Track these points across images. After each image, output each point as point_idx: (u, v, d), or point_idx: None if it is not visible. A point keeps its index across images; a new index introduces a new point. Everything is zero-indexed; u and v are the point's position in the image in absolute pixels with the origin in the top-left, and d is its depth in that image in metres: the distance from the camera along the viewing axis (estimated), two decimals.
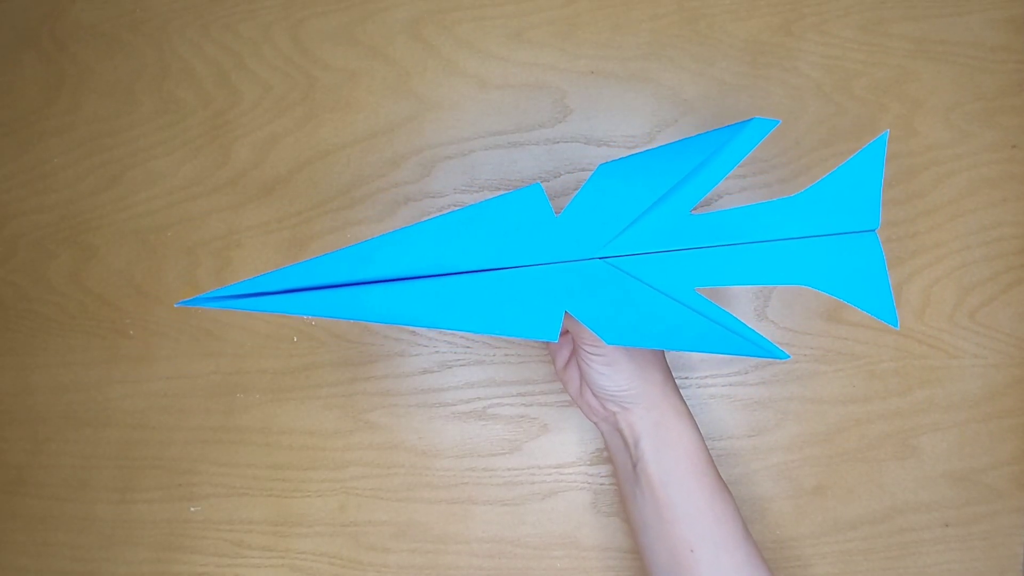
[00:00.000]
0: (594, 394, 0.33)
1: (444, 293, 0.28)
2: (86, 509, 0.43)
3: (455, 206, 0.41)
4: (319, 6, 0.42)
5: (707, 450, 0.32)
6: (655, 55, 0.41)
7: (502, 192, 0.41)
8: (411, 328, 0.41)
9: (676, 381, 0.34)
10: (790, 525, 0.39)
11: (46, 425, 0.44)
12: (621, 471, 0.34)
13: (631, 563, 0.40)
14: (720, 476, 0.32)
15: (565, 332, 0.36)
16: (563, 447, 0.41)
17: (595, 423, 0.35)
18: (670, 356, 0.39)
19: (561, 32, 0.41)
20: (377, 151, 0.42)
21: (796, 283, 0.28)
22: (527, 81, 0.41)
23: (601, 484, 0.40)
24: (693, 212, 0.28)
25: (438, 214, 0.41)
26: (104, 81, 0.44)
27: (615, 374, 0.32)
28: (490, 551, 0.40)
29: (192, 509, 0.42)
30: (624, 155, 0.40)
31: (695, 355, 0.40)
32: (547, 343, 0.37)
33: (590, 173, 0.41)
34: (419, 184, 0.42)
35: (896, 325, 0.28)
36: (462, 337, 0.41)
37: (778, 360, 0.34)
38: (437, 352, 0.41)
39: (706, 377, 0.40)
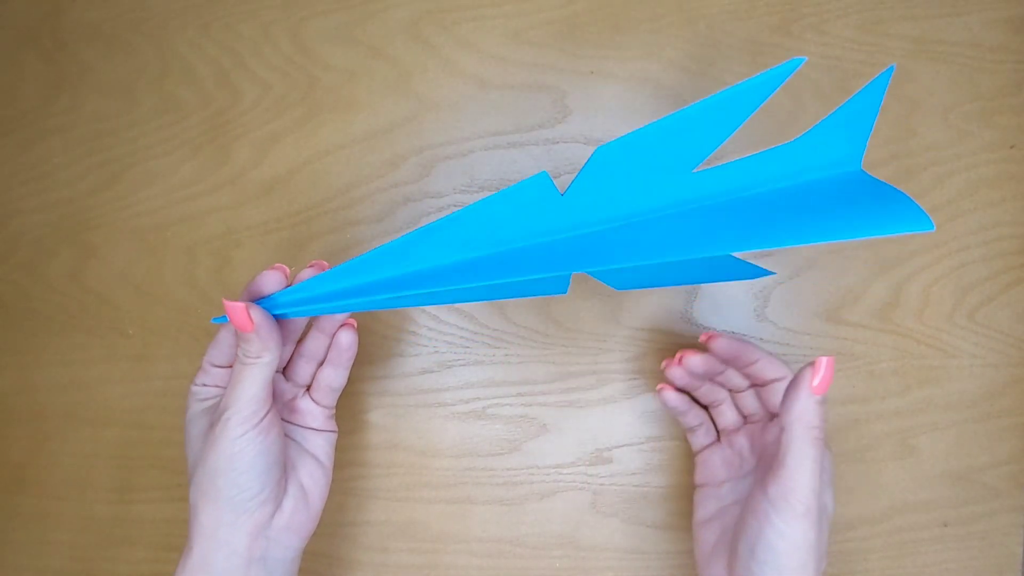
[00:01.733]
0: (753, 562, 0.28)
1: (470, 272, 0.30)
2: (86, 508, 0.43)
3: (455, 206, 0.41)
4: (319, 6, 0.42)
5: None
6: (655, 55, 0.41)
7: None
8: (412, 327, 0.41)
9: None
10: None
11: (46, 424, 0.44)
12: None
13: (630, 563, 0.40)
14: None
15: (707, 484, 0.35)
16: (562, 447, 0.41)
17: None
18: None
19: (561, 32, 0.41)
20: (377, 151, 0.42)
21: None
22: (527, 81, 0.41)
23: (600, 484, 0.40)
24: (696, 171, 0.28)
25: (438, 214, 0.41)
26: (104, 80, 0.44)
27: (789, 545, 0.27)
28: (489, 551, 0.40)
29: None
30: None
31: None
32: (694, 496, 0.36)
33: None
34: (419, 184, 0.42)
35: (932, 227, 0.26)
36: (461, 337, 0.41)
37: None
38: (436, 352, 0.41)
39: None
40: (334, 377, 0.35)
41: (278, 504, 0.32)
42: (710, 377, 0.36)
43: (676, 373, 0.36)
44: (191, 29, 0.43)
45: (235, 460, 0.30)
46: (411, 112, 0.42)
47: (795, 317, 0.40)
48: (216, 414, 0.31)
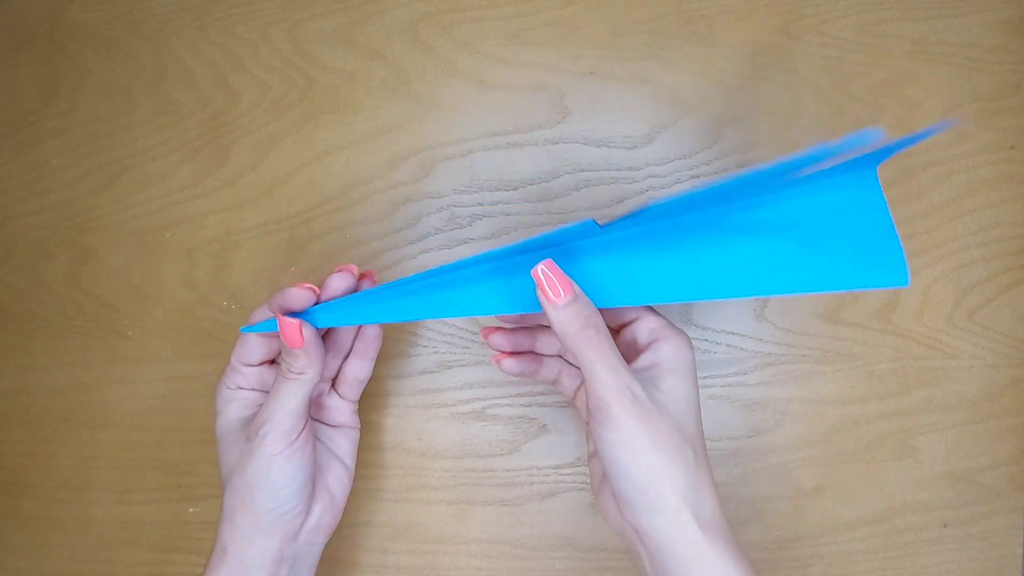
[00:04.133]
0: (611, 482, 0.29)
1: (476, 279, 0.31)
2: (84, 510, 0.43)
3: (454, 206, 0.41)
4: (317, 8, 0.42)
5: None
6: (654, 56, 0.41)
7: (501, 193, 0.41)
8: (412, 328, 0.41)
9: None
10: (788, 525, 0.39)
11: (44, 427, 0.44)
12: None
13: (629, 564, 0.40)
14: None
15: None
16: (562, 448, 0.41)
17: (617, 534, 0.31)
18: None
19: (560, 33, 0.41)
20: (376, 152, 0.42)
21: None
22: (526, 82, 0.41)
23: None
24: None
25: (438, 215, 0.41)
26: (102, 82, 0.44)
27: (626, 451, 0.27)
28: (488, 552, 0.40)
29: (191, 510, 0.42)
30: (625, 156, 0.40)
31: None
32: (585, 425, 0.34)
33: (589, 173, 0.41)
34: (418, 184, 0.42)
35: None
36: (461, 337, 0.41)
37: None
38: (436, 352, 0.41)
39: (705, 377, 0.40)
40: (360, 368, 0.36)
41: (309, 511, 0.33)
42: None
43: (497, 339, 0.34)
44: (189, 31, 0.43)
45: (272, 476, 0.31)
46: (410, 113, 0.42)
47: (794, 317, 0.40)
48: (253, 426, 0.31)
